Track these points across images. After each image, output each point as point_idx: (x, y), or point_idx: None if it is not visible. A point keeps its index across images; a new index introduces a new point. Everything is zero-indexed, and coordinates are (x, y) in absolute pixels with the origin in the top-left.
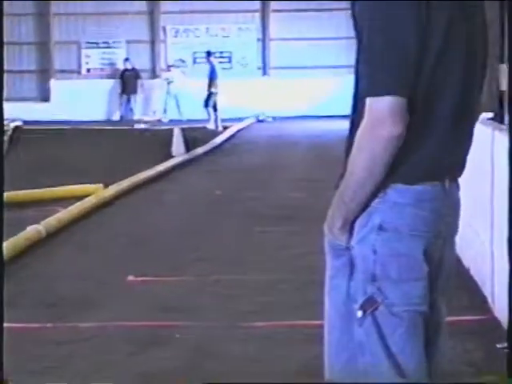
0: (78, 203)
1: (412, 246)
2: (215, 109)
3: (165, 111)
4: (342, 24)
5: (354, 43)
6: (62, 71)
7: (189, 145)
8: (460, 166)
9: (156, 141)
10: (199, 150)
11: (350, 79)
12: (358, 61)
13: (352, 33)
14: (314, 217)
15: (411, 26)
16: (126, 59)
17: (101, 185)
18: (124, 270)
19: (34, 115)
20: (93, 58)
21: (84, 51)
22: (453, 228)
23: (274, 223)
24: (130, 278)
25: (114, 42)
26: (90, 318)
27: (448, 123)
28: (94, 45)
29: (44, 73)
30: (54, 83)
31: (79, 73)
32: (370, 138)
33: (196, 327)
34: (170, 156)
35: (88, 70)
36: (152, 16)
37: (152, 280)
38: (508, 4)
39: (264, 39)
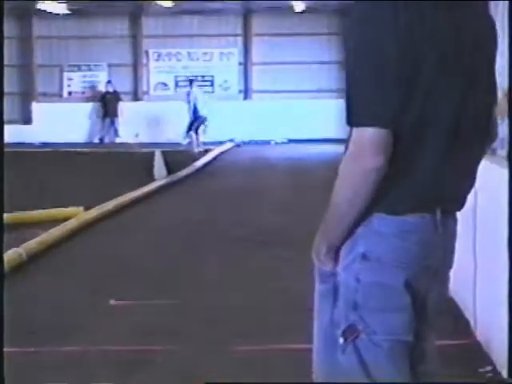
0: (59, 226)
1: (394, 277)
2: (197, 132)
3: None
4: (323, 48)
5: (335, 68)
6: (44, 94)
7: (170, 168)
8: (457, 199)
9: (138, 164)
10: (181, 173)
11: (330, 103)
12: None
13: (333, 57)
14: (294, 241)
15: (394, 49)
16: (108, 82)
17: (81, 208)
18: (106, 293)
19: (17, 137)
20: (75, 81)
21: (66, 74)
22: (446, 262)
23: (255, 247)
24: (112, 301)
25: (95, 66)
26: (73, 343)
27: (440, 153)
28: (76, 68)
29: (26, 95)
30: (35, 106)
31: (61, 95)
32: (351, 168)
33: (178, 351)
34: (152, 179)
35: (69, 93)
36: (135, 40)
37: (134, 304)
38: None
39: (246, 63)
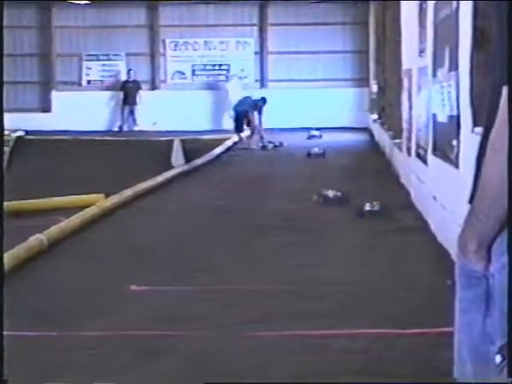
0: (80, 213)
1: None
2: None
3: None
4: (338, 38)
5: (349, 57)
6: (64, 83)
7: (188, 156)
8: None
9: (157, 151)
10: (198, 161)
11: (345, 92)
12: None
13: (348, 47)
14: (309, 228)
15: None
16: (129, 70)
17: (102, 195)
18: (126, 279)
19: (36, 125)
20: (93, 70)
21: (85, 63)
22: None
23: (272, 234)
24: (133, 287)
25: (114, 55)
26: (93, 327)
27: None
28: (94, 57)
29: (46, 84)
30: (55, 94)
31: (80, 84)
32: (504, 136)
33: (197, 337)
34: (170, 166)
35: (88, 82)
36: (152, 29)
37: (154, 290)
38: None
39: (262, 52)
